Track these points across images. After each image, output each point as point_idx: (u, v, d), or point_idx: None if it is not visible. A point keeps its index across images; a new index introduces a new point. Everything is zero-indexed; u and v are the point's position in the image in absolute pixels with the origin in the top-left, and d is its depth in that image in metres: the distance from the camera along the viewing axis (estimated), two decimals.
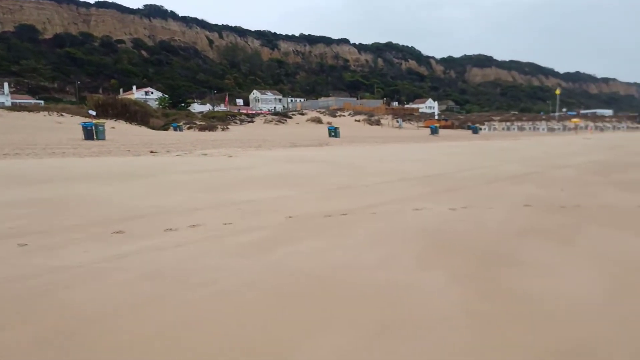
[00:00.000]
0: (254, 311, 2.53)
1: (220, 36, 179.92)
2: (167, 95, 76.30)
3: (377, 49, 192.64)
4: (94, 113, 34.07)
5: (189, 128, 46.78)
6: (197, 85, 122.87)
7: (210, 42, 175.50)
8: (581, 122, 67.61)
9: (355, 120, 55.08)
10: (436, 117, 66.32)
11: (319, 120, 51.18)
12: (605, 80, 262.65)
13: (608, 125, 75.64)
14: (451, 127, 57.21)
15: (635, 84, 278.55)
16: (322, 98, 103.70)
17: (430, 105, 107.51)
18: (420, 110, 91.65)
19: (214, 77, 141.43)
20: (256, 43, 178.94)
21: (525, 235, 4.22)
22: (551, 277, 3.08)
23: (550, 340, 2.17)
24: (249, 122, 50.53)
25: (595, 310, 2.52)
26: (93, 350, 2.09)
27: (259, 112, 71.71)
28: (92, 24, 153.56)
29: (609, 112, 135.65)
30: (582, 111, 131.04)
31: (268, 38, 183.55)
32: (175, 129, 43.68)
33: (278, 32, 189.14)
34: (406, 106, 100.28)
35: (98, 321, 2.38)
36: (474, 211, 5.34)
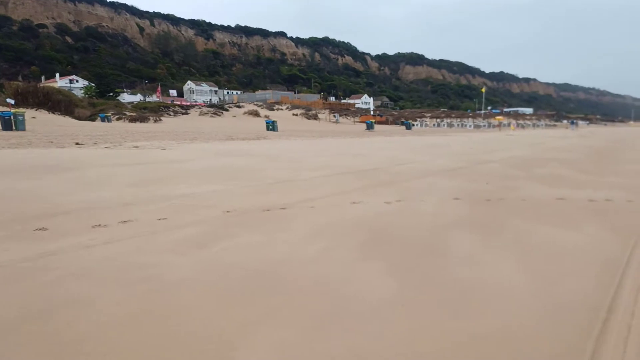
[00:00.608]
0: (191, 308, 2.47)
1: (152, 24, 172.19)
2: (93, 84, 71.78)
3: (314, 44, 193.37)
4: (12, 102, 31.47)
5: (118, 119, 44.48)
6: (126, 75, 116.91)
7: (141, 29, 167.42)
8: (504, 120, 71.87)
9: (293, 114, 55.06)
10: (372, 112, 67.59)
11: (256, 114, 50.61)
12: (527, 80, 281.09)
13: (529, 122, 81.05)
14: (386, 122, 58.73)
15: (553, 84, 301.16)
16: (260, 91, 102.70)
17: (366, 101, 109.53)
18: (357, 105, 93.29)
19: (145, 66, 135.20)
20: (190, 32, 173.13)
21: (455, 227, 4.43)
22: (478, 266, 3.26)
23: (477, 326, 2.31)
24: (183, 113, 48.96)
25: (518, 297, 2.70)
26: (16, 357, 1.94)
27: (194, 103, 69.61)
28: (10, 7, 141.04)
29: (529, 110, 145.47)
30: (506, 109, 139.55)
31: (203, 28, 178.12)
32: (103, 120, 41.39)
33: (213, 22, 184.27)
34: (343, 101, 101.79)
35: (20, 325, 2.21)
36: (408, 204, 5.53)
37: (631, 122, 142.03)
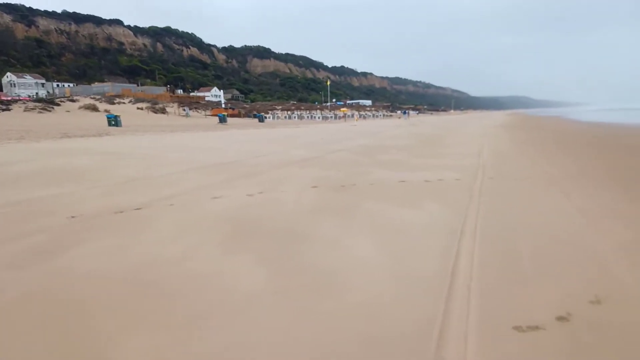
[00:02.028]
0: (40, 325, 2.19)
1: None
2: None
3: (156, 34, 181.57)
4: None
5: None
6: None
7: None
8: (348, 111, 76.80)
9: (138, 108, 51.09)
10: (223, 105, 66.40)
11: (94, 108, 45.64)
12: (364, 74, 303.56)
13: (369, 113, 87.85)
14: (238, 115, 58.19)
15: (387, 77, 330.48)
16: (96, 83, 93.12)
17: (216, 94, 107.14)
18: (207, 98, 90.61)
19: None
20: (6, 18, 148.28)
21: (315, 213, 4.65)
22: (340, 248, 3.48)
23: (343, 303, 2.48)
24: (4, 109, 42.02)
25: (376, 272, 2.96)
26: None
27: (17, 98, 60.18)
28: None
29: (368, 102, 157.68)
30: (349, 101, 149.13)
31: (22, 13, 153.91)
32: None
33: (34, 7, 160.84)
34: (192, 94, 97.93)
35: None
36: (270, 195, 5.62)
37: (452, 111, 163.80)
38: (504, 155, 10.49)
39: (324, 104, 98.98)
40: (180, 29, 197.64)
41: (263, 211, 4.75)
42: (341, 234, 3.89)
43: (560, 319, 2.21)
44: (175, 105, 57.56)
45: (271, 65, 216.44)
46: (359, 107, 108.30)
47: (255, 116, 54.37)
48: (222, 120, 39.24)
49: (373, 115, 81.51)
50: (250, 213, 4.66)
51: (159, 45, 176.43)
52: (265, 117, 55.09)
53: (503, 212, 4.58)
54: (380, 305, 2.44)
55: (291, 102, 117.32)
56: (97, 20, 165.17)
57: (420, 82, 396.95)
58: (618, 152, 10.74)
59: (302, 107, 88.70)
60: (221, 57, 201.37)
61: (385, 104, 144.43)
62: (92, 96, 61.21)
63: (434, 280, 2.78)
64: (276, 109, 76.92)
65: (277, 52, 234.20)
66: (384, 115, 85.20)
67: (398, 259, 3.20)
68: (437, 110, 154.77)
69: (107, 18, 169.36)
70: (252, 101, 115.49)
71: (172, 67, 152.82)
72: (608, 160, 9.01)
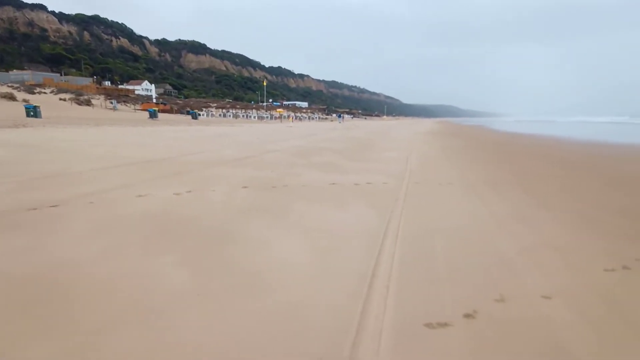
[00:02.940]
0: None
1: None
2: None
3: (83, 21, 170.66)
4: None
5: None
6: None
7: None
8: (284, 112, 76.90)
9: (61, 99, 47.82)
10: (154, 100, 63.89)
11: (11, 97, 42.02)
12: (301, 76, 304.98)
13: (305, 115, 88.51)
14: (170, 111, 56.27)
15: (323, 80, 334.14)
16: (15, 71, 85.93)
17: (147, 88, 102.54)
18: (137, 92, 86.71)
19: None
20: None
21: (244, 213, 4.63)
22: (268, 248, 3.51)
23: (267, 303, 2.50)
24: None
25: (301, 272, 3.02)
26: None
27: None
28: None
29: (305, 104, 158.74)
30: (285, 102, 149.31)
31: None
32: None
33: None
34: (120, 87, 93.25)
35: None
36: (199, 194, 5.51)
37: (385, 117, 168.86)
38: (430, 160, 10.99)
39: (260, 104, 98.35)
40: (109, 18, 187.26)
41: (190, 210, 4.66)
42: (269, 234, 3.91)
43: (467, 316, 2.37)
44: (102, 97, 54.67)
45: (206, 61, 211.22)
46: (295, 109, 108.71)
47: (188, 113, 52.88)
48: (153, 115, 37.82)
49: (309, 118, 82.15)
50: (176, 212, 4.55)
51: (86, 34, 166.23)
52: (199, 115, 53.81)
53: (424, 215, 4.81)
54: (303, 304, 2.49)
55: (227, 100, 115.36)
56: (17, 4, 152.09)
57: (355, 86, 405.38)
58: (529, 160, 11.61)
59: (238, 106, 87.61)
60: (154, 50, 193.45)
61: (321, 107, 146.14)
62: (9, 84, 56.61)
63: (356, 280, 2.88)
64: (211, 107, 75.31)
65: (213, 48, 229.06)
66: (319, 118, 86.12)
67: (323, 259, 3.28)
68: (371, 115, 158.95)
69: (29, 2, 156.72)
70: (186, 97, 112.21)
71: (99, 57, 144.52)
72: (520, 167, 9.72)
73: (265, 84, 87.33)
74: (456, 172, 8.60)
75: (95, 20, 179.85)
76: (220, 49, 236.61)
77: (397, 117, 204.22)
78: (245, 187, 6.18)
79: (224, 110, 70.77)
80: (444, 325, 2.27)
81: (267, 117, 69.19)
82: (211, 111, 65.56)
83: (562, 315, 2.41)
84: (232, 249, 3.44)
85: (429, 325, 2.26)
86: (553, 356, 2.01)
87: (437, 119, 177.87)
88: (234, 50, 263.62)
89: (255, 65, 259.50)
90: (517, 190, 6.46)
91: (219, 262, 3.14)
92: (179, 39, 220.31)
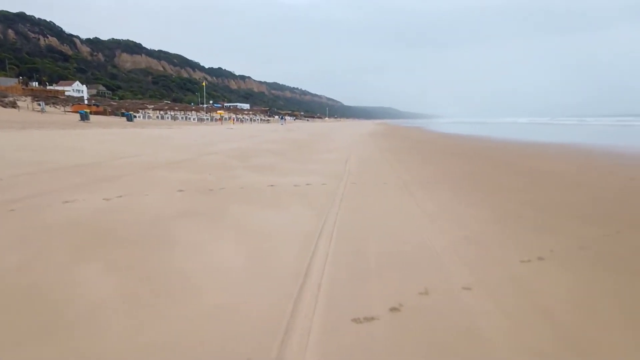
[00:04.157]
0: None
1: None
2: None
3: (7, 19, 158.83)
4: None
5: None
6: None
7: None
8: (225, 114, 75.71)
9: None
10: (86, 101, 60.72)
11: None
12: (242, 78, 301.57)
13: (246, 117, 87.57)
14: (104, 113, 53.78)
15: (265, 82, 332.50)
16: None
17: (78, 89, 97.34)
18: (67, 93, 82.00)
19: None
20: None
21: (179, 218, 4.55)
22: (202, 252, 3.47)
23: (196, 308, 2.48)
24: None
25: (235, 275, 3.02)
26: None
27: None
28: None
29: (246, 105, 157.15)
30: (226, 104, 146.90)
31: None
32: None
33: None
34: (49, 88, 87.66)
35: None
36: (131, 199, 5.35)
37: (327, 118, 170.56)
38: (368, 161, 11.27)
39: (200, 105, 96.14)
40: (36, 16, 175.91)
41: (120, 216, 4.51)
42: (204, 238, 3.87)
43: (393, 309, 2.48)
44: (29, 99, 51.24)
45: (142, 61, 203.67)
46: (236, 111, 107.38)
47: (123, 115, 50.74)
48: (85, 117, 35.97)
49: (251, 120, 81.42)
50: (105, 218, 4.39)
51: (10, 32, 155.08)
52: (135, 116, 51.80)
53: (360, 215, 4.94)
54: (235, 307, 2.50)
55: (165, 101, 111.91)
56: None
57: (297, 88, 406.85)
58: (459, 159, 12.20)
59: (177, 108, 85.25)
60: (85, 50, 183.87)
61: (263, 109, 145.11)
62: None
63: (290, 279, 2.92)
64: (148, 108, 72.71)
65: (149, 48, 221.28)
66: (261, 119, 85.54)
67: (259, 261, 3.29)
68: (313, 117, 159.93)
69: None
70: (121, 98, 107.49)
71: (26, 57, 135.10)
72: (451, 167, 10.20)
73: (204, 85, 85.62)
74: (393, 172, 8.87)
75: (21, 17, 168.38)
76: (157, 49, 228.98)
77: (338, 119, 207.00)
78: (180, 190, 6.06)
79: (161, 112, 68.55)
80: (371, 319, 2.36)
81: (208, 119, 67.79)
82: (148, 113, 63.28)
83: (480, 304, 2.57)
84: (164, 255, 3.38)
85: (356, 320, 2.34)
86: (470, 343, 2.16)
87: (377, 121, 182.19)
88: (172, 51, 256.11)
89: (195, 66, 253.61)
90: (447, 189, 6.78)
91: (148, 268, 3.07)
92: (113, 38, 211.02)
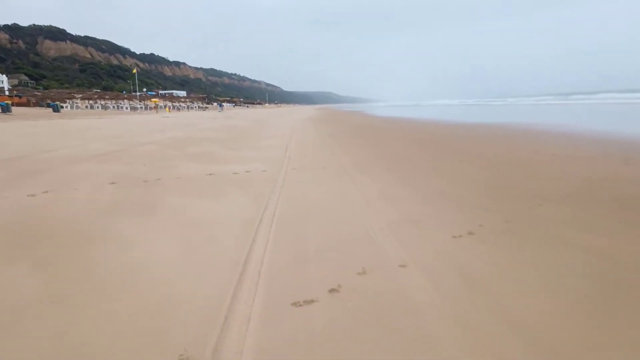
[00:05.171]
0: None
1: None
2: None
3: None
4: None
5: None
6: None
7: None
8: (160, 102, 72.87)
9: None
10: (7, 92, 56.17)
11: None
12: (177, 64, 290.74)
13: (183, 105, 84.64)
14: (27, 104, 50.10)
15: (202, 68, 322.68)
16: None
17: None
18: None
19: None
20: None
21: (112, 212, 4.37)
22: (136, 247, 3.35)
23: (131, 304, 2.41)
24: None
25: (172, 269, 2.95)
26: None
27: None
28: None
29: (183, 93, 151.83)
30: (161, 91, 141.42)
31: None
32: None
33: None
34: None
35: None
36: (58, 194, 5.06)
37: (267, 104, 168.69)
38: (308, 147, 11.30)
39: (133, 94, 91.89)
40: None
41: (47, 212, 4.27)
42: (139, 231, 3.75)
43: (332, 290, 2.54)
44: None
45: (68, 48, 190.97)
46: (172, 98, 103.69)
47: (49, 105, 47.48)
48: (5, 109, 33.33)
49: (188, 107, 78.86)
50: (30, 215, 4.14)
51: None
52: (62, 107, 48.73)
53: (300, 200, 4.97)
54: (172, 300, 2.44)
55: (94, 90, 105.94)
56: None
57: (235, 74, 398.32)
58: (394, 141, 12.55)
59: (107, 97, 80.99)
60: (3, 37, 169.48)
61: (201, 96, 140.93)
62: None
63: (229, 268, 2.90)
64: (75, 98, 68.56)
65: (74, 34, 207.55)
66: (199, 107, 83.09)
67: (197, 252, 3.24)
68: (253, 104, 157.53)
69: None
70: (46, 88, 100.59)
71: None
72: (387, 149, 10.48)
73: (135, 72, 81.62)
74: (332, 157, 8.97)
75: None
76: (83, 35, 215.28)
77: (279, 104, 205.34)
78: (112, 183, 5.80)
79: (91, 102, 64.83)
80: (310, 302, 2.40)
81: (142, 107, 64.93)
82: (76, 103, 59.57)
83: (414, 280, 2.69)
84: (94, 251, 3.23)
85: (296, 304, 2.37)
86: (405, 317, 2.25)
87: (317, 106, 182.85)
88: (100, 36, 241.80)
89: (125, 52, 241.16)
90: (384, 171, 6.96)
91: (77, 266, 2.93)
92: (34, 24, 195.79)
